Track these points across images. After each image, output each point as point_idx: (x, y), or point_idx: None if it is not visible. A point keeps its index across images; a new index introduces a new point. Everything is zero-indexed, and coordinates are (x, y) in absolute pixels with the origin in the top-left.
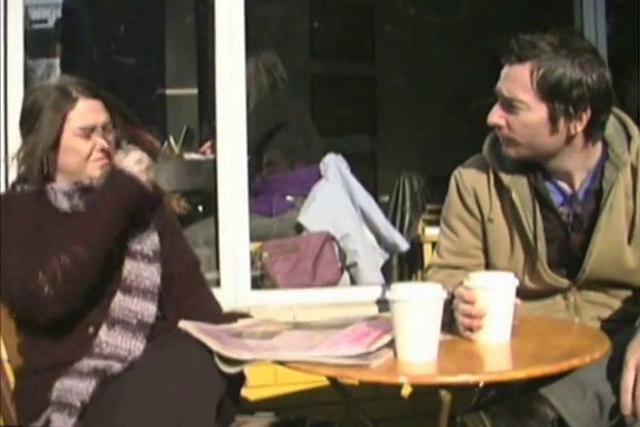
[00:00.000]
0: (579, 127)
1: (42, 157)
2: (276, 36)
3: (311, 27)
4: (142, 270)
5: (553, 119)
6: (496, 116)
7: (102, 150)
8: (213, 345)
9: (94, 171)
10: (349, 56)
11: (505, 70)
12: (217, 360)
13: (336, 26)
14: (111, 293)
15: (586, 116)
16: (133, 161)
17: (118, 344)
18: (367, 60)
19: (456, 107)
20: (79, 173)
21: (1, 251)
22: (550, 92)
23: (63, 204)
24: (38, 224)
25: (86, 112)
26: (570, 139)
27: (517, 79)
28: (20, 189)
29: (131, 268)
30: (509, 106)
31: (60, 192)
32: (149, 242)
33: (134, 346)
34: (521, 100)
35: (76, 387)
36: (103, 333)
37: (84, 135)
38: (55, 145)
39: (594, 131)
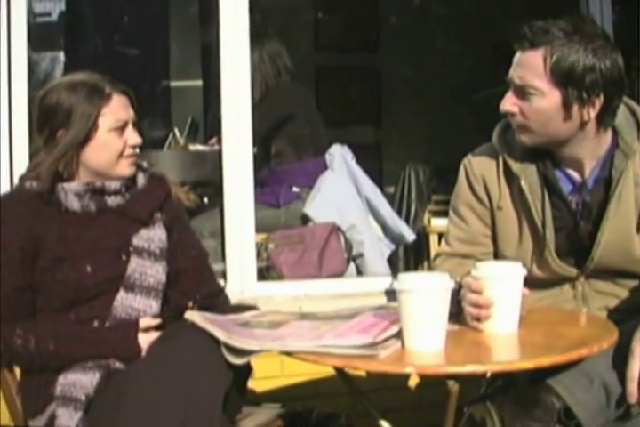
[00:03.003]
0: (592, 113)
1: (73, 155)
2: (279, 26)
3: (315, 17)
4: (147, 268)
5: (566, 105)
6: (509, 103)
7: (133, 147)
8: (220, 335)
9: (125, 168)
10: (354, 47)
11: (517, 57)
12: (224, 351)
13: (340, 16)
14: (115, 289)
15: (599, 102)
16: (147, 340)
17: None
18: (372, 50)
19: (461, 97)
20: (108, 170)
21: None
22: (564, 77)
23: (73, 204)
24: (35, 239)
25: (119, 107)
26: (583, 125)
27: (530, 65)
28: (30, 185)
29: (136, 265)
30: (522, 93)
31: (71, 192)
32: (157, 239)
33: None
34: (534, 87)
35: (79, 381)
36: None
37: (118, 131)
38: (85, 141)
39: (606, 117)
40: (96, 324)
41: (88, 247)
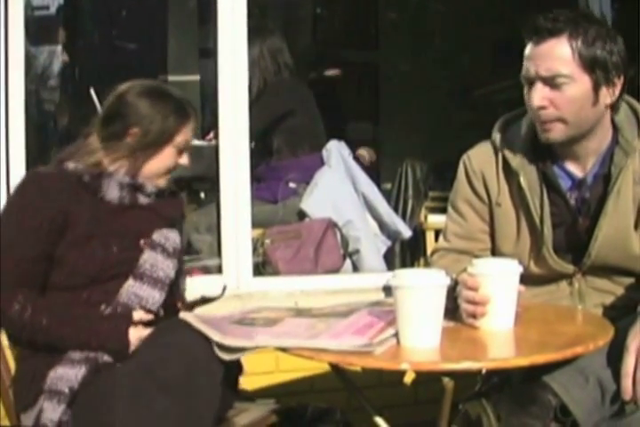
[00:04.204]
0: (616, 94)
1: (138, 156)
2: (278, 21)
3: (314, 13)
4: (159, 262)
5: (596, 89)
6: (538, 98)
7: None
8: (214, 336)
9: (163, 182)
10: (352, 43)
11: (535, 50)
12: (215, 348)
13: (339, 12)
14: (123, 277)
15: (620, 83)
16: (138, 336)
17: None
18: (370, 46)
19: (459, 94)
20: (151, 178)
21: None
22: (591, 61)
23: (112, 193)
24: (66, 214)
25: (190, 130)
26: (606, 109)
27: (556, 54)
28: (75, 167)
29: (148, 257)
30: (552, 84)
31: (115, 182)
32: (172, 239)
33: None
34: (564, 75)
35: (66, 374)
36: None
37: (180, 151)
38: (153, 149)
39: (620, 100)
40: (103, 307)
41: (116, 230)
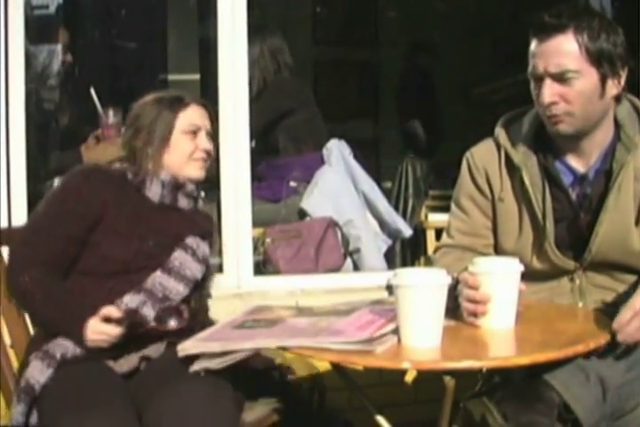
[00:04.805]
0: (622, 84)
1: (152, 153)
2: (277, 20)
3: (314, 11)
4: (188, 262)
5: (603, 81)
6: (548, 94)
7: (205, 152)
8: (215, 348)
9: (194, 171)
10: (352, 41)
11: (542, 46)
12: (201, 360)
13: (339, 11)
14: (150, 270)
15: (624, 74)
16: (97, 329)
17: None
18: (370, 45)
19: (459, 92)
20: (180, 170)
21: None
22: (598, 54)
23: (154, 190)
24: (105, 204)
25: (196, 115)
26: (611, 101)
27: (563, 50)
28: (120, 165)
29: (178, 256)
30: (561, 80)
31: (158, 180)
32: (202, 247)
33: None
34: (573, 70)
35: (65, 343)
36: (127, 298)
37: (190, 135)
38: (164, 141)
39: (623, 94)
40: (126, 295)
41: (154, 227)
